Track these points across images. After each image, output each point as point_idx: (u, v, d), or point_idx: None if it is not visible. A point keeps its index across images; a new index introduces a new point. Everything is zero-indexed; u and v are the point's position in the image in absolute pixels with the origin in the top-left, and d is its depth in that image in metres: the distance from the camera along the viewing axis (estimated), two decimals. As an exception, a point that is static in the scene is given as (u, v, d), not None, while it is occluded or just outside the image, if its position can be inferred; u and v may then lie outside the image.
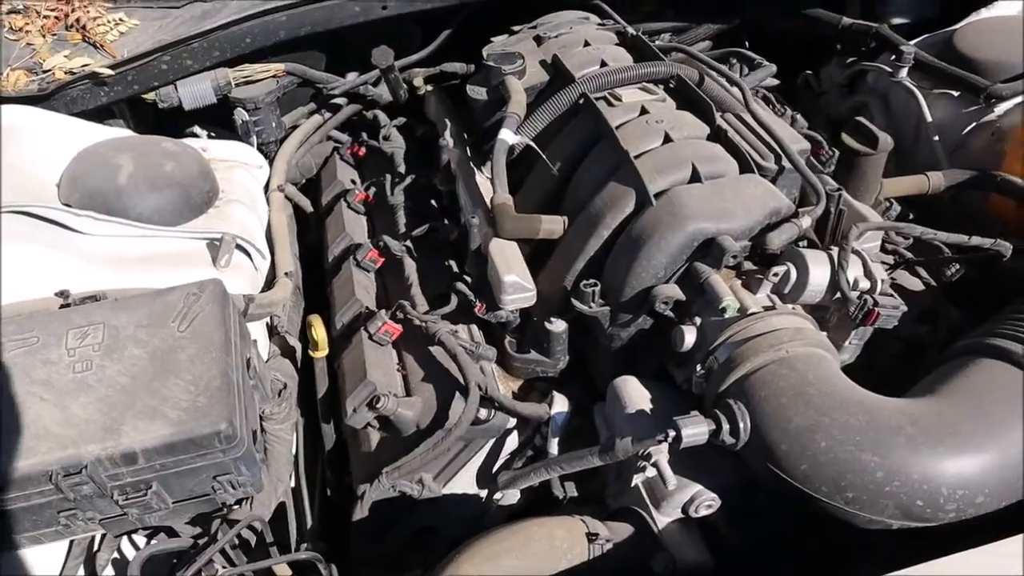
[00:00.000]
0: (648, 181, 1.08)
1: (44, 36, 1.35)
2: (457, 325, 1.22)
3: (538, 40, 1.45)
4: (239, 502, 1.05)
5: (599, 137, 1.20)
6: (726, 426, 0.92)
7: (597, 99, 1.25)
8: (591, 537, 0.96)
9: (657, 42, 1.52)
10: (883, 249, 1.31)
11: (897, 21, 1.76)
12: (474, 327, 1.23)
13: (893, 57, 1.56)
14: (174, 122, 1.49)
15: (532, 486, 1.12)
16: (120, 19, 1.37)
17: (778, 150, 1.14)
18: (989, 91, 1.43)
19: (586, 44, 1.41)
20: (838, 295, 1.00)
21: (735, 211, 1.04)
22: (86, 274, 1.13)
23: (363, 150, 1.56)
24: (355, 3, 1.39)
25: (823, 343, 0.98)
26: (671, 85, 1.30)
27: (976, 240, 1.13)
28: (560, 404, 1.11)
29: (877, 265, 1.02)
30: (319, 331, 1.19)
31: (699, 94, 1.24)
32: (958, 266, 1.24)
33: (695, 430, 0.91)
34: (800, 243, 1.09)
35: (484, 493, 1.17)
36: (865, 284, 1.01)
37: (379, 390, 1.12)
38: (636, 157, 1.13)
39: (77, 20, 1.36)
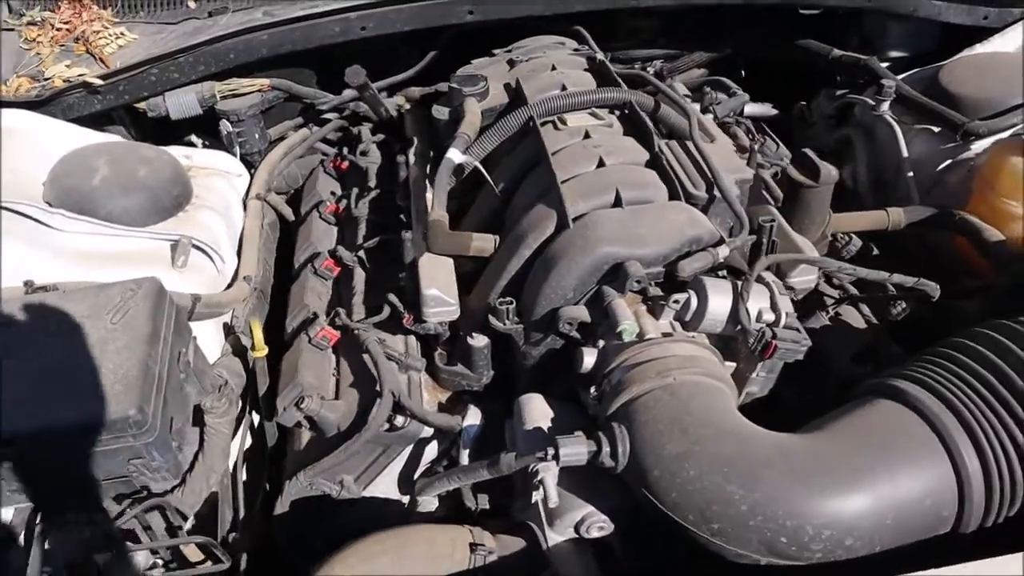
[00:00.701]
0: (570, 204, 1.10)
1: (52, 47, 1.47)
2: (396, 335, 1.27)
3: (511, 64, 1.49)
4: (173, 489, 1.12)
5: (539, 160, 1.23)
6: (606, 448, 0.93)
7: (545, 123, 1.28)
8: (474, 547, 0.98)
9: (623, 69, 1.54)
10: (830, 284, 1.29)
11: (895, 54, 1.73)
12: (411, 338, 1.27)
13: (876, 90, 1.54)
14: (172, 130, 1.60)
15: (452, 495, 1.16)
16: (121, 33, 1.48)
17: (711, 179, 1.15)
18: (966, 128, 1.40)
19: (553, 68, 1.45)
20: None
21: (648, 237, 1.06)
22: (57, 268, 1.23)
23: (345, 164, 1.63)
24: (334, 24, 1.46)
25: (716, 373, 0.98)
26: (625, 111, 1.32)
27: (898, 278, 1.11)
28: (473, 417, 1.14)
29: (784, 298, 1.02)
30: (256, 332, 1.25)
31: (645, 121, 1.26)
32: (904, 305, 1.22)
33: (574, 450, 0.93)
34: (719, 272, 1.09)
35: (406, 499, 1.21)
36: (770, 316, 1.01)
37: (305, 391, 1.17)
38: (566, 181, 1.15)
39: (83, 33, 1.47)
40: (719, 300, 1.00)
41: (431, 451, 1.18)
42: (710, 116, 1.47)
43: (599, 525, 1.01)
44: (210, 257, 1.35)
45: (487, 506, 1.14)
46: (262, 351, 1.26)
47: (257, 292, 1.41)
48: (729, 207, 1.12)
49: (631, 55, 1.80)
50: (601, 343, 1.04)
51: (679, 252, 1.07)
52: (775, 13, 1.68)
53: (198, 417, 1.18)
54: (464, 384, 1.22)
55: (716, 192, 1.14)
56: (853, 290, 1.24)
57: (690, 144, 1.24)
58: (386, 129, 1.65)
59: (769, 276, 1.05)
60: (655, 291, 1.06)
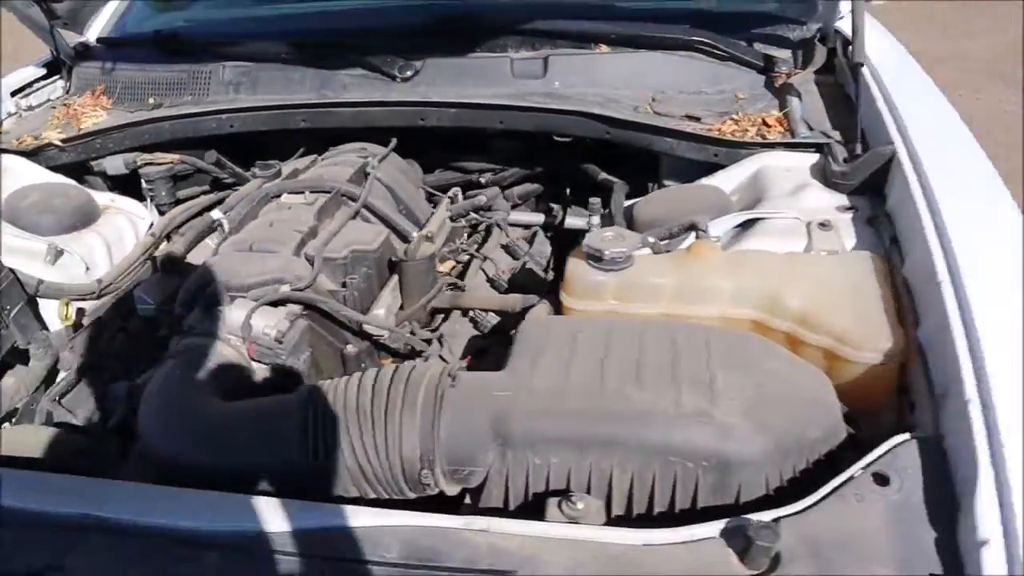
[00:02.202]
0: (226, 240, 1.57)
1: (61, 119, 2.24)
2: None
3: (313, 161, 1.99)
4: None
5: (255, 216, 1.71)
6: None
7: (273, 196, 1.75)
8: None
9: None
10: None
11: (670, 183, 1.93)
12: None
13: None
14: (123, 182, 2.28)
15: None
16: (98, 113, 2.22)
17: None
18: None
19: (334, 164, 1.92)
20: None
21: (241, 273, 1.47)
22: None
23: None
24: (211, 120, 2.06)
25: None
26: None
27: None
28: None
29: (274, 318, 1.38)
30: (64, 310, 1.82)
31: (342, 202, 1.69)
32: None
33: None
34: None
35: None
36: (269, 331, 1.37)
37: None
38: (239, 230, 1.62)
39: (76, 111, 2.23)
40: (238, 312, 1.38)
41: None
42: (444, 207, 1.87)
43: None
44: (83, 262, 1.97)
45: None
46: (67, 322, 1.82)
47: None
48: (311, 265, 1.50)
49: (465, 166, 2.21)
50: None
51: (262, 285, 1.46)
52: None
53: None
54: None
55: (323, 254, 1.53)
56: None
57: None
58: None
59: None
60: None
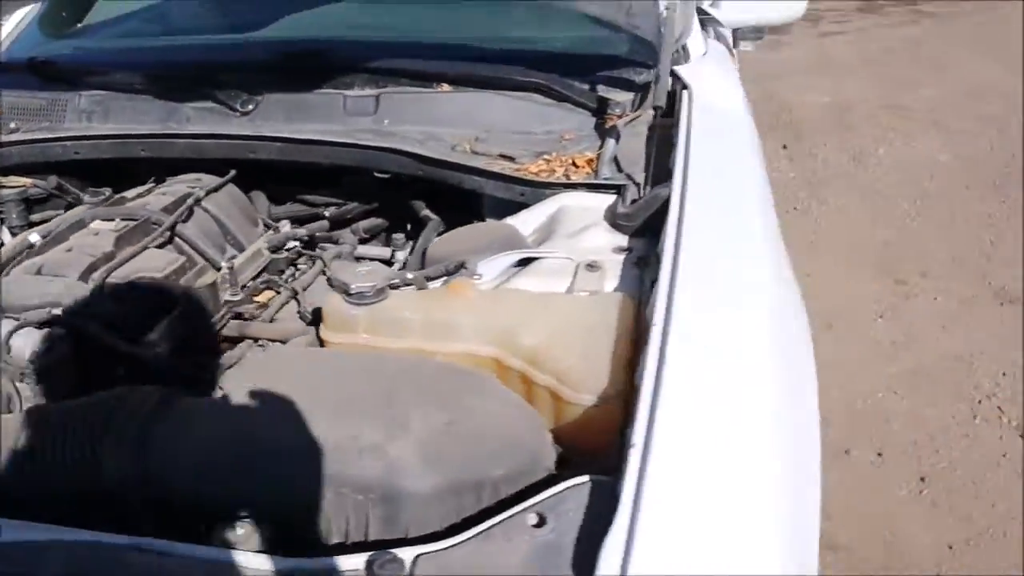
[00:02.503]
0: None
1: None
2: None
3: (149, 190, 2.03)
4: None
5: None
6: None
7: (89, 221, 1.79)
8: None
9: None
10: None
11: (491, 220, 1.96)
12: None
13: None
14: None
15: None
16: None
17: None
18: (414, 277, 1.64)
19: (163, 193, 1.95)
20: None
21: (21, 295, 1.48)
22: None
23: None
24: (58, 146, 2.10)
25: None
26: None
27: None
28: None
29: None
30: None
31: (140, 230, 1.71)
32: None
33: None
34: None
35: None
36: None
37: None
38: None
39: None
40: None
41: None
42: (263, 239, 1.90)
43: None
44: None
45: None
46: None
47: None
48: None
49: (313, 200, 2.24)
50: None
51: (40, 307, 1.48)
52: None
53: None
54: None
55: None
56: None
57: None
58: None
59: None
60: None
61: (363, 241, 2.24)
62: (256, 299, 1.83)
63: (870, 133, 5.95)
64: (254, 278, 1.84)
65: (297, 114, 2.01)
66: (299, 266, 2.02)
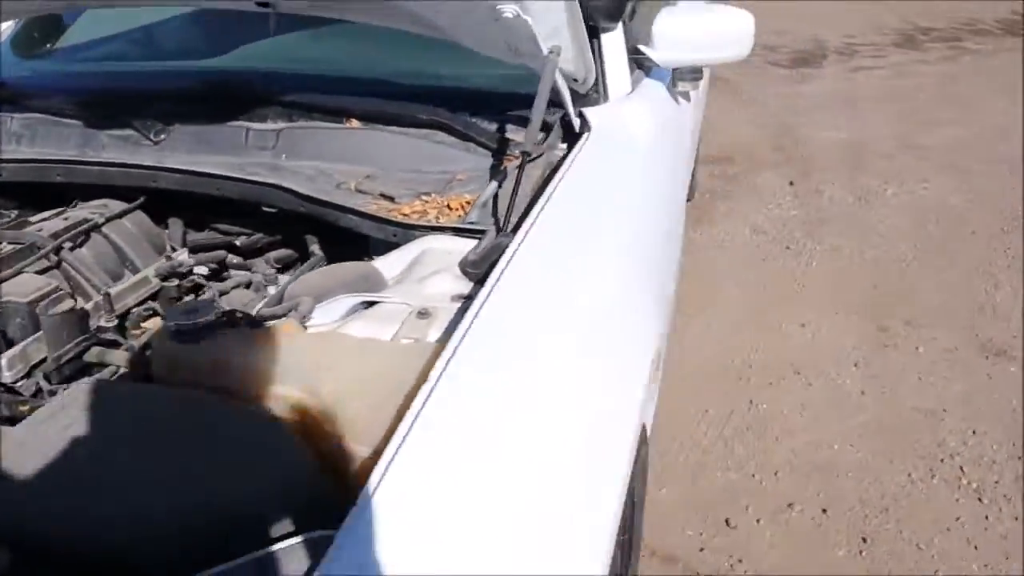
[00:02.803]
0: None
1: None
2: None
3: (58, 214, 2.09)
4: None
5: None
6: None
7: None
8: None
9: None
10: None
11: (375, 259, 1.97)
12: None
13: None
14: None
15: None
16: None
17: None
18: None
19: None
20: None
21: None
22: None
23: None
24: (-17, 168, 2.19)
25: None
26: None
27: None
28: None
29: None
30: None
31: (22, 253, 1.78)
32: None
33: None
34: None
35: None
36: None
37: None
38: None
39: None
40: None
41: None
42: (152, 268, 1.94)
43: None
44: None
45: None
46: None
47: None
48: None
49: (228, 229, 2.28)
50: None
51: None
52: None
53: None
54: None
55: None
56: None
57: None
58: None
59: None
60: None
61: (280, 271, 2.27)
62: (144, 326, 1.87)
63: (882, 172, 5.79)
64: (138, 305, 1.88)
65: (201, 146, 2.05)
66: (200, 295, 2.06)
